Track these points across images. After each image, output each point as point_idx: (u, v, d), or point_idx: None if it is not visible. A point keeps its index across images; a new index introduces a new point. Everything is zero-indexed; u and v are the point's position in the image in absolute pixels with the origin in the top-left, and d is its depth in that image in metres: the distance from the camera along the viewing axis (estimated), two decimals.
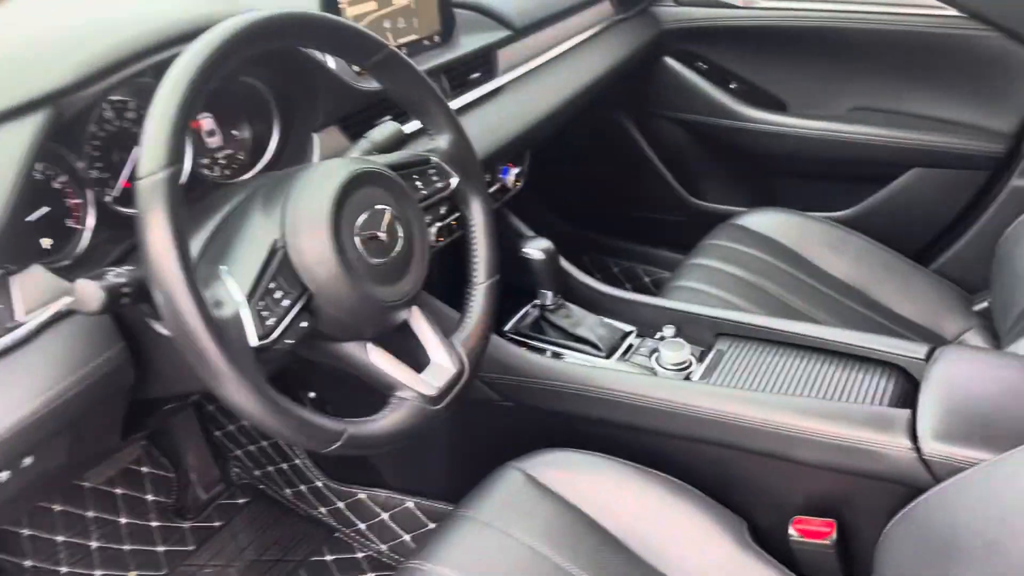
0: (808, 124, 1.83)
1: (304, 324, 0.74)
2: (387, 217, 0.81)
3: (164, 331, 0.79)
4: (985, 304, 1.49)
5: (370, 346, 0.81)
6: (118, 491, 1.47)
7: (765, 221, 1.62)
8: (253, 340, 0.70)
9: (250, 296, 0.71)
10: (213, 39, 0.72)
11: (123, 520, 1.47)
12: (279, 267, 0.74)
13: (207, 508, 1.56)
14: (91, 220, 0.86)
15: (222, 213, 0.81)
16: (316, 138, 1.04)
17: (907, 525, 0.80)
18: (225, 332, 0.68)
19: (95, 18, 0.88)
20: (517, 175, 1.44)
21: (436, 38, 1.27)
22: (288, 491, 1.55)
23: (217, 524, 1.55)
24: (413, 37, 1.23)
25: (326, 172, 0.79)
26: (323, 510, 1.52)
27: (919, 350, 1.10)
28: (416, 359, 0.86)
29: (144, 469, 1.52)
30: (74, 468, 0.99)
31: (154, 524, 1.51)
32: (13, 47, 0.81)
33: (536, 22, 1.50)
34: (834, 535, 0.99)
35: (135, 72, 0.83)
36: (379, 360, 0.81)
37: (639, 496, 1.03)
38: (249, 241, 0.75)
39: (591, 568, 0.94)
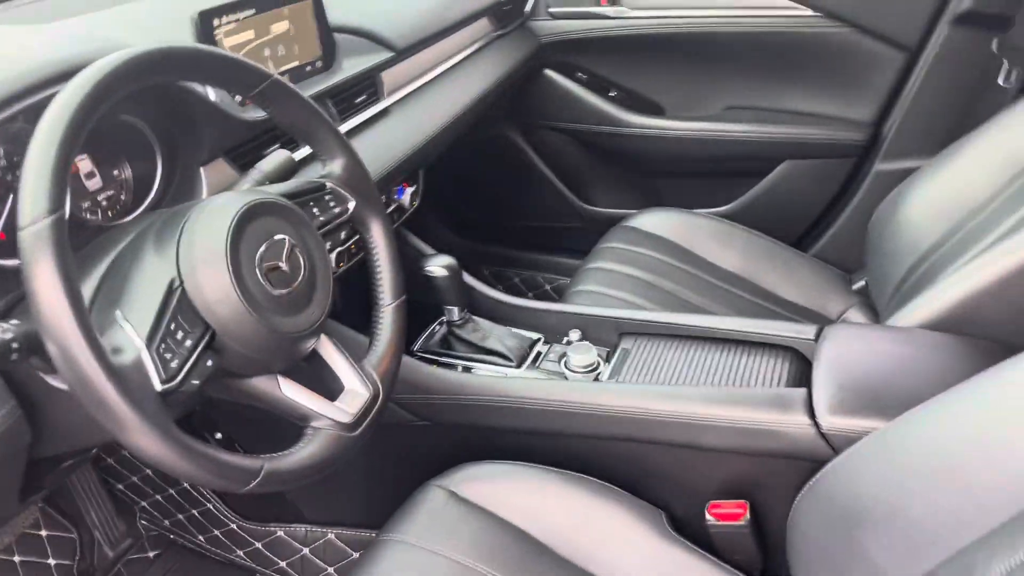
0: (685, 126, 1.91)
1: (210, 363, 0.72)
2: (287, 246, 0.80)
3: (59, 384, 0.76)
4: (863, 283, 1.59)
5: (280, 379, 0.80)
6: (17, 559, 1.38)
7: (655, 221, 1.68)
8: (157, 384, 0.68)
9: (150, 339, 0.69)
10: (91, 76, 0.70)
11: None
12: (178, 307, 0.72)
13: (115, 566, 1.48)
14: None
15: (110, 257, 0.78)
16: (203, 172, 1.01)
17: (813, 498, 0.84)
18: (127, 379, 0.65)
19: None
20: (412, 194, 1.45)
21: (318, 63, 1.27)
22: (202, 538, 1.49)
23: None
24: (295, 64, 1.22)
25: (220, 205, 0.77)
26: (241, 553, 1.47)
27: (809, 331, 1.17)
28: (328, 388, 0.85)
29: (43, 533, 1.43)
30: None
31: None
32: None
33: (417, 42, 1.51)
34: (747, 515, 1.03)
35: (6, 118, 0.79)
36: (291, 392, 0.80)
37: (560, 500, 1.04)
38: (144, 283, 0.73)
39: None
